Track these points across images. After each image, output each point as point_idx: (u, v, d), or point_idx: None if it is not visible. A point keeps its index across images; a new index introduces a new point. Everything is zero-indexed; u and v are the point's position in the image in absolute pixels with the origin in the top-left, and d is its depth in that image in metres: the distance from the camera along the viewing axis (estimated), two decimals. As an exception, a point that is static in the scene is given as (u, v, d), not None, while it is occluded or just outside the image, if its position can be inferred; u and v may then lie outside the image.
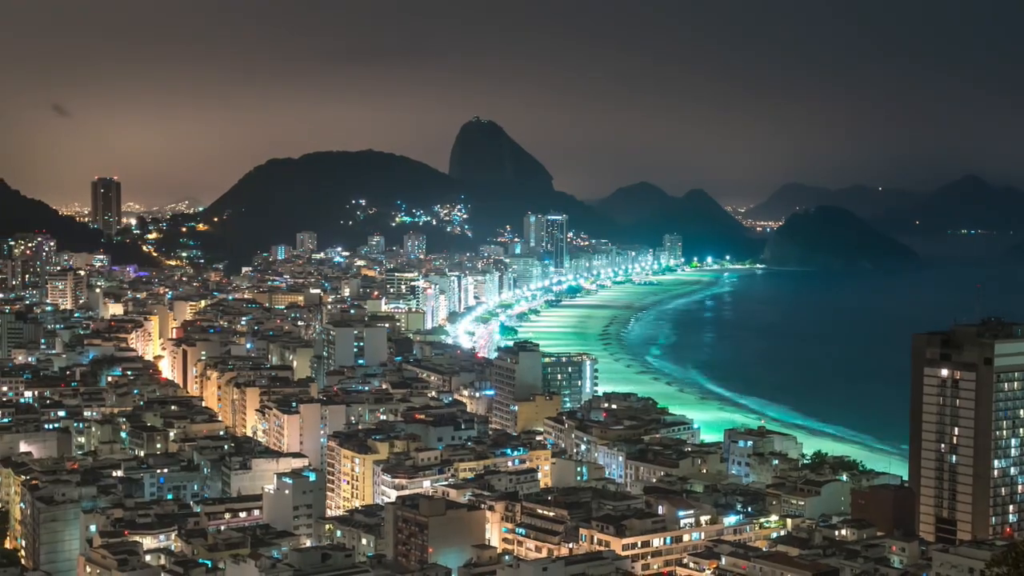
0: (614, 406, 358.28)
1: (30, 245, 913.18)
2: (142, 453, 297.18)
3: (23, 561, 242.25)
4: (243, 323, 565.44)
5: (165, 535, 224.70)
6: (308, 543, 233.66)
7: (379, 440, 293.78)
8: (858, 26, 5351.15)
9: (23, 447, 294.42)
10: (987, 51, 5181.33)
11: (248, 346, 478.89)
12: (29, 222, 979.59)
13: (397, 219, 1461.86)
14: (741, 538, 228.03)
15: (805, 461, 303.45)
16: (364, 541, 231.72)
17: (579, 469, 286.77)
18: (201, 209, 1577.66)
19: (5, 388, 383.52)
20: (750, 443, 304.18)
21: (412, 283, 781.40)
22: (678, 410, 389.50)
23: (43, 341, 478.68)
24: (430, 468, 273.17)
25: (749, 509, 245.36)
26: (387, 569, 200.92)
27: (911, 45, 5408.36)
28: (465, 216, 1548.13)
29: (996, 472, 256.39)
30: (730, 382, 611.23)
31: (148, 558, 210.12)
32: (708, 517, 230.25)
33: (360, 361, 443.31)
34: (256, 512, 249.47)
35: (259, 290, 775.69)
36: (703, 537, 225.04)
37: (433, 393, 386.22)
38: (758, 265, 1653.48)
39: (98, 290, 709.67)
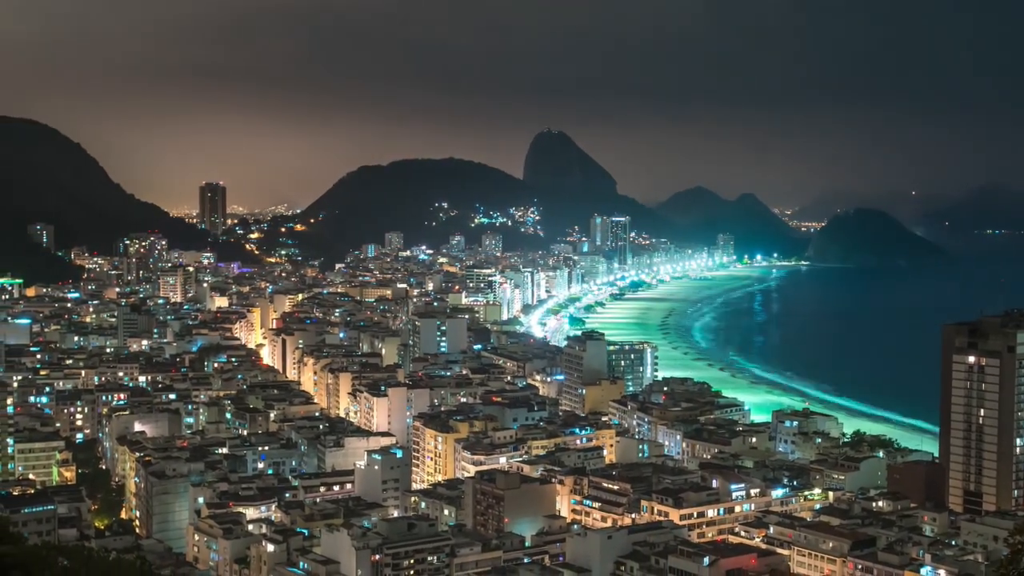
0: (673, 389, 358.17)
1: (144, 244, 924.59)
2: (245, 432, 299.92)
3: (137, 530, 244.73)
4: (336, 315, 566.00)
5: (266, 506, 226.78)
6: (395, 514, 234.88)
7: (460, 420, 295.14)
8: (895, 46, 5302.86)
9: (137, 427, 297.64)
10: (1009, 66, 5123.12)
11: (341, 335, 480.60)
12: (143, 223, 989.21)
13: (476, 220, 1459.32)
14: (787, 509, 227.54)
15: (845, 439, 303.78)
16: (446, 512, 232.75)
17: (641, 447, 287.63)
18: (299, 211, 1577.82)
19: (121, 373, 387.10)
20: (796, 423, 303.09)
21: (489, 278, 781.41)
22: (730, 393, 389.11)
23: (156, 331, 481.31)
24: (506, 446, 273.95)
25: (795, 483, 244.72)
26: (467, 537, 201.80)
27: (940, 62, 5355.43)
28: (537, 218, 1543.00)
29: (1018, 449, 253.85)
30: (778, 368, 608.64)
31: (250, 527, 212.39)
32: (758, 490, 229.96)
33: (443, 349, 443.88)
34: (348, 486, 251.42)
35: (351, 285, 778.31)
36: (753, 508, 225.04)
37: (508, 378, 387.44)
38: (803, 262, 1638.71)
39: (205, 285, 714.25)
